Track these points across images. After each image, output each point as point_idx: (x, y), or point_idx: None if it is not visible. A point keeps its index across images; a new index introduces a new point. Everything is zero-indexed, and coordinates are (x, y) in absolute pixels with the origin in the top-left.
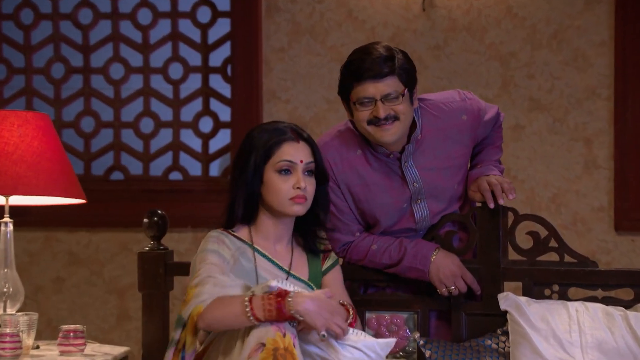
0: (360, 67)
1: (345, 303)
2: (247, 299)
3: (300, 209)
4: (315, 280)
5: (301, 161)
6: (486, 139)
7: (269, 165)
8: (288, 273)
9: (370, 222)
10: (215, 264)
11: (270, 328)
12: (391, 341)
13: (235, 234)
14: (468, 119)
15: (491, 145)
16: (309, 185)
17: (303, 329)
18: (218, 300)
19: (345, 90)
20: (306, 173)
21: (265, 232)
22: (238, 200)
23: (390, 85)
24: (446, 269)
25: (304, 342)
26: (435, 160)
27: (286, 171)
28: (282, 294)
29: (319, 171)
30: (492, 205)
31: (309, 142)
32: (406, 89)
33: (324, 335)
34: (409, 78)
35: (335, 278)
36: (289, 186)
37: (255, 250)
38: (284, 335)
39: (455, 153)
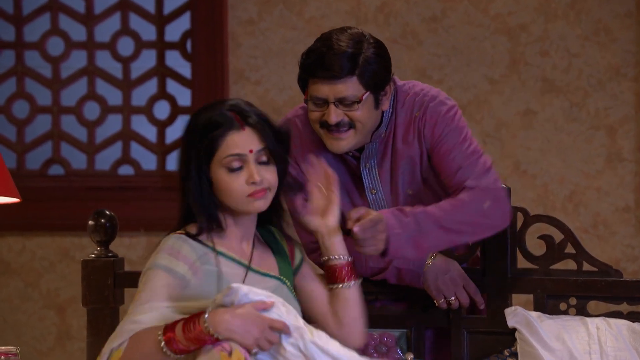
0: (316, 62)
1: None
2: (160, 331)
3: (262, 204)
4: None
5: (250, 151)
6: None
7: (215, 163)
8: (248, 267)
9: None
10: (161, 287)
11: (214, 350)
12: None
13: (197, 237)
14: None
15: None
16: (267, 173)
17: None
18: (135, 337)
19: (302, 82)
20: (260, 162)
21: (227, 232)
22: (194, 204)
23: (348, 87)
24: (446, 276)
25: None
26: (408, 172)
27: (237, 166)
28: (197, 317)
29: (274, 153)
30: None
31: (257, 125)
32: (367, 93)
33: (256, 353)
34: (374, 80)
35: (308, 274)
36: (242, 183)
37: (219, 253)
38: (230, 354)
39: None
